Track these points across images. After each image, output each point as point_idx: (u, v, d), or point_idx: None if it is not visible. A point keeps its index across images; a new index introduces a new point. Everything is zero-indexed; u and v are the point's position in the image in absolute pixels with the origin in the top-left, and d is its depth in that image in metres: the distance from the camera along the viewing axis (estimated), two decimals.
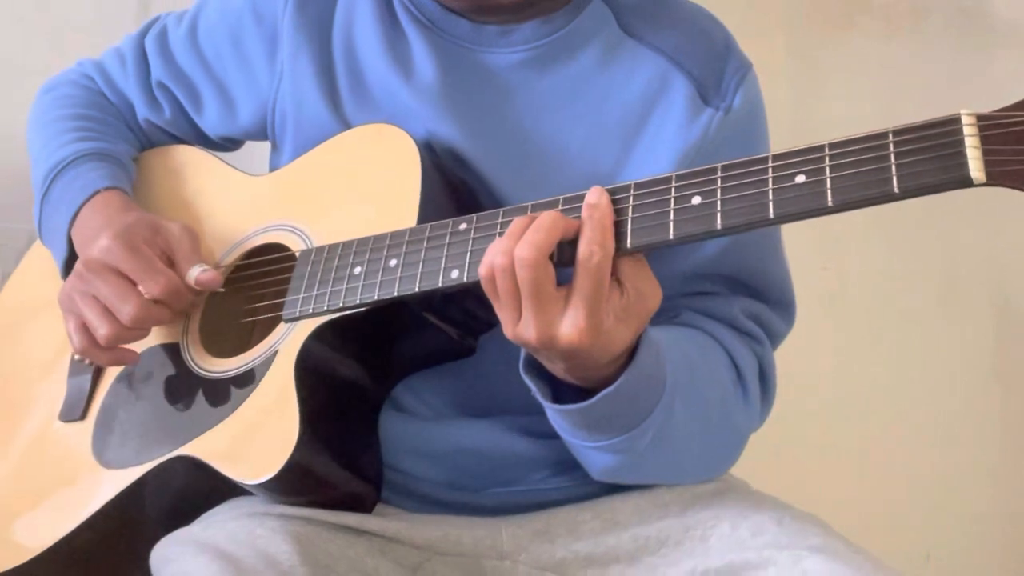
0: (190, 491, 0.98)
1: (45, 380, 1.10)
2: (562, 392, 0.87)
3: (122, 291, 0.95)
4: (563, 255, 0.81)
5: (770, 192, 0.76)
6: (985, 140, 0.69)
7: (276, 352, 0.94)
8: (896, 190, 0.72)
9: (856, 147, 0.74)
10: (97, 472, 1.00)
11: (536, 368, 0.87)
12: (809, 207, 0.75)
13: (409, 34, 1.03)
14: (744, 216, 0.77)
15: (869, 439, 1.95)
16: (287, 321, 0.95)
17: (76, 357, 1.07)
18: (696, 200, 0.79)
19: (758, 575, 0.85)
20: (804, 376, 1.54)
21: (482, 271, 0.82)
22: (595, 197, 0.81)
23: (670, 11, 1.04)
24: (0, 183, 1.47)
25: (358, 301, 0.90)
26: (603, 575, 0.93)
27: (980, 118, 0.70)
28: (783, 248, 1.06)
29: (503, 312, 0.82)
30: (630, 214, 0.81)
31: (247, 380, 0.95)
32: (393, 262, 0.89)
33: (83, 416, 1.04)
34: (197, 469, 0.93)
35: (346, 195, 1.00)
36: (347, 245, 0.94)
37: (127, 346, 0.98)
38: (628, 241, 0.80)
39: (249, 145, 1.17)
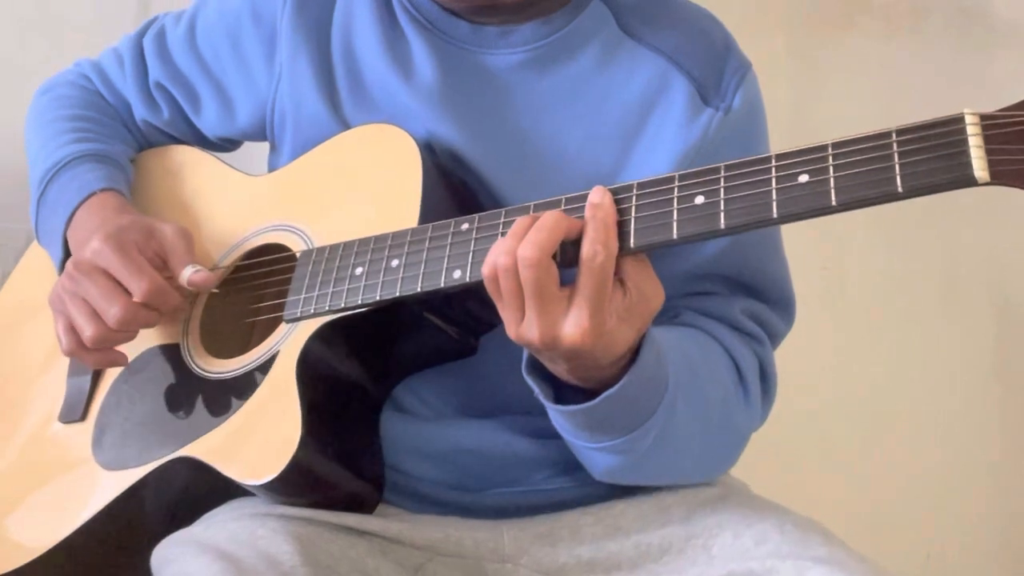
0: (191, 492, 0.98)
1: (44, 380, 1.10)
2: (564, 393, 0.87)
3: (109, 293, 0.95)
4: (566, 255, 0.81)
5: (773, 192, 0.76)
6: (988, 139, 0.69)
7: (277, 353, 0.94)
8: (900, 190, 0.72)
9: (859, 146, 0.74)
10: (97, 473, 1.00)
11: (538, 369, 0.86)
12: (812, 207, 0.75)
13: (408, 35, 1.03)
14: (747, 216, 0.77)
15: (869, 439, 1.95)
16: (288, 322, 0.95)
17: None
18: (699, 200, 0.79)
19: None
20: (804, 376, 1.54)
21: (485, 271, 0.81)
22: (598, 197, 0.81)
23: (670, 11, 1.04)
24: (0, 183, 1.47)
25: (359, 301, 0.90)
26: None
27: (983, 117, 0.70)
28: (783, 248, 1.06)
29: (506, 312, 0.82)
30: (633, 214, 0.81)
31: (248, 381, 0.95)
32: (395, 262, 0.89)
33: (83, 417, 1.04)
34: (198, 470, 0.93)
35: (347, 195, 1.00)
36: (348, 245, 0.94)
37: (119, 348, 0.98)
38: (631, 241, 0.80)
39: (248, 145, 1.17)
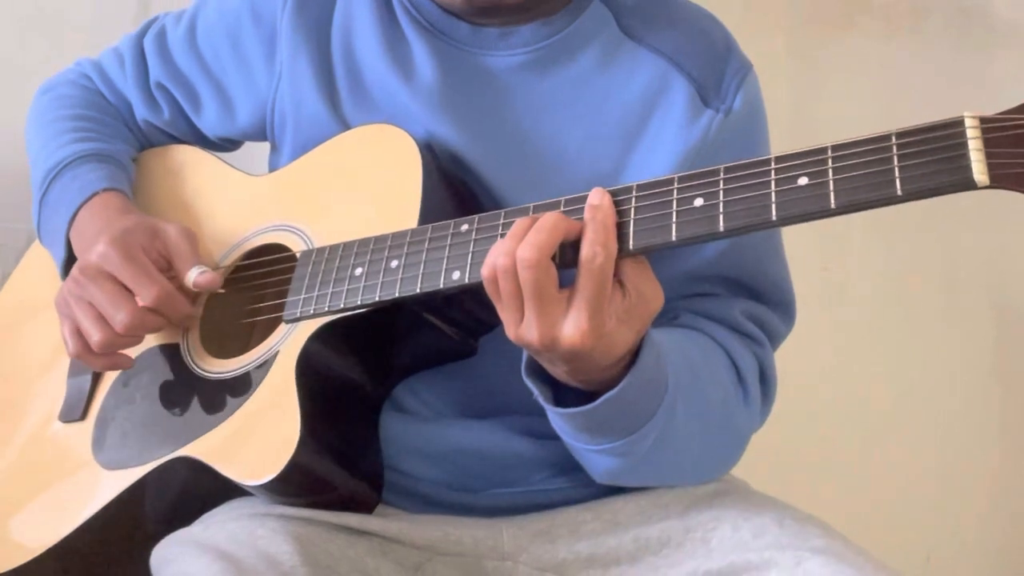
0: (190, 492, 0.98)
1: (45, 380, 1.10)
2: (564, 395, 0.87)
3: (116, 298, 0.95)
4: (565, 256, 0.81)
5: (773, 194, 0.76)
6: (988, 143, 0.69)
7: (277, 353, 0.94)
8: (899, 192, 0.72)
9: (859, 149, 0.74)
10: (97, 473, 1.00)
11: (538, 371, 0.86)
12: (812, 209, 0.75)
13: (409, 36, 1.03)
14: (746, 218, 0.77)
15: (869, 439, 1.95)
16: (288, 322, 0.95)
17: None
18: (698, 202, 0.79)
19: None
20: (804, 376, 1.54)
21: (484, 272, 0.81)
22: (597, 198, 0.81)
23: (670, 12, 1.04)
24: (0, 183, 1.47)
25: (359, 302, 0.90)
26: None
27: (983, 120, 0.70)
28: (783, 249, 1.06)
29: (505, 313, 0.82)
30: (632, 215, 0.81)
31: (247, 381, 0.95)
32: (394, 263, 0.89)
33: (83, 416, 1.04)
34: (198, 470, 0.93)
35: (347, 195, 1.00)
36: (348, 246, 0.94)
37: (123, 351, 0.98)
38: (630, 242, 0.80)
39: (249, 145, 1.17)
